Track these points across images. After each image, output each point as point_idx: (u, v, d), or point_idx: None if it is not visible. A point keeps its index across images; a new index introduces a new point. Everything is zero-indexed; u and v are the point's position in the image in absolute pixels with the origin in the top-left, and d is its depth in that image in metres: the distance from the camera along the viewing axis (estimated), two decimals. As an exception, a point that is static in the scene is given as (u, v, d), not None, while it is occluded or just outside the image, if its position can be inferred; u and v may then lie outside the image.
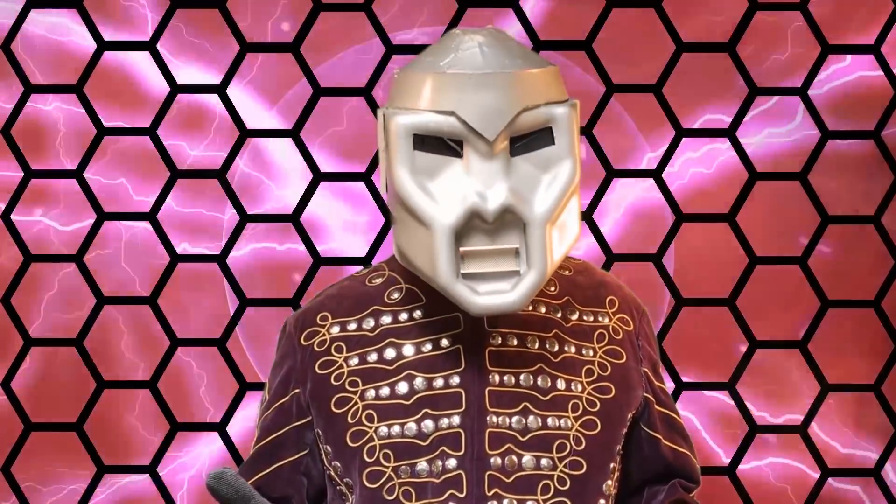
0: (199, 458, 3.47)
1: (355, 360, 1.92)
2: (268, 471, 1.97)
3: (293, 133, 3.47)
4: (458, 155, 1.82)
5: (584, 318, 1.96)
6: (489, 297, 1.81)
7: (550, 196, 1.82)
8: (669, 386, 3.29)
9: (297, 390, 1.95)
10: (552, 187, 1.83)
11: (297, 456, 1.96)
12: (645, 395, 1.97)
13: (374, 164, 3.46)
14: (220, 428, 3.45)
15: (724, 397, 3.46)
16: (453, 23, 3.45)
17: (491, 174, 1.80)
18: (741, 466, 3.46)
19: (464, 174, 1.82)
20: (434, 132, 1.82)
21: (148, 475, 3.45)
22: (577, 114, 1.87)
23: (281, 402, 1.97)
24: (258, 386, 3.42)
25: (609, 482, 1.91)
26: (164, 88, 3.46)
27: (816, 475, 3.46)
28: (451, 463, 1.86)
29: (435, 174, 1.83)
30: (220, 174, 3.46)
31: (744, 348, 3.47)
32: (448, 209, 1.80)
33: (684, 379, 3.46)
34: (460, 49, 1.85)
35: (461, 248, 1.81)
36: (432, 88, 1.83)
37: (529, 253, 1.81)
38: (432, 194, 1.82)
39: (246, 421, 3.44)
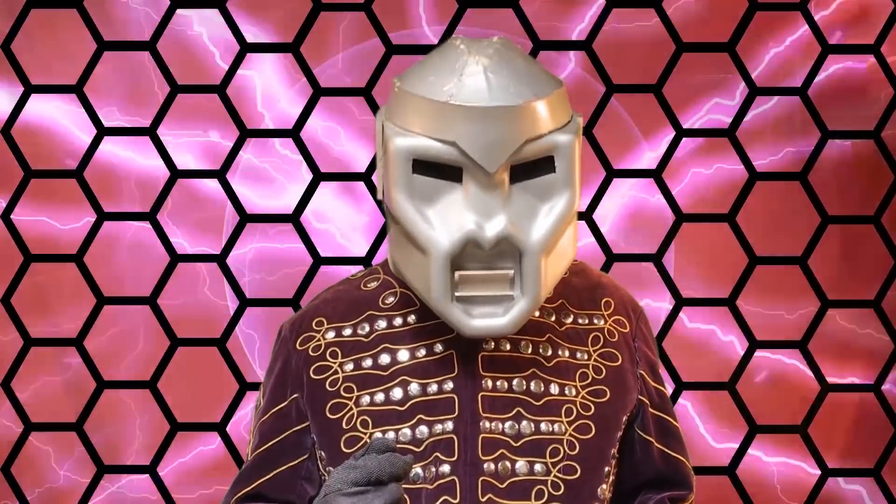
0: (199, 458, 3.47)
1: (350, 366, 1.92)
2: (268, 476, 1.95)
3: (293, 133, 3.47)
4: (458, 180, 1.81)
5: (579, 321, 1.95)
6: (482, 320, 1.82)
7: (547, 225, 1.82)
8: (669, 387, 3.28)
9: (295, 395, 1.94)
10: (549, 217, 1.82)
11: (297, 461, 1.95)
12: (640, 397, 1.96)
13: (374, 164, 3.46)
14: (220, 428, 3.45)
15: (724, 397, 3.46)
16: (453, 23, 3.44)
17: (490, 204, 1.80)
18: (741, 466, 3.46)
19: (462, 201, 1.80)
20: (433, 159, 1.80)
21: (148, 475, 3.45)
22: (579, 136, 1.85)
23: (280, 406, 1.96)
24: (258, 386, 3.41)
25: (604, 486, 1.90)
26: (164, 89, 3.46)
27: (816, 475, 3.46)
28: (445, 469, 1.85)
29: (433, 199, 1.82)
30: (221, 174, 3.46)
31: (744, 348, 3.46)
32: (445, 235, 1.80)
33: (684, 379, 3.46)
34: (465, 74, 1.81)
35: (457, 273, 1.81)
36: (433, 116, 1.80)
37: (524, 280, 1.81)
38: (430, 220, 1.81)
39: (246, 421, 3.44)
